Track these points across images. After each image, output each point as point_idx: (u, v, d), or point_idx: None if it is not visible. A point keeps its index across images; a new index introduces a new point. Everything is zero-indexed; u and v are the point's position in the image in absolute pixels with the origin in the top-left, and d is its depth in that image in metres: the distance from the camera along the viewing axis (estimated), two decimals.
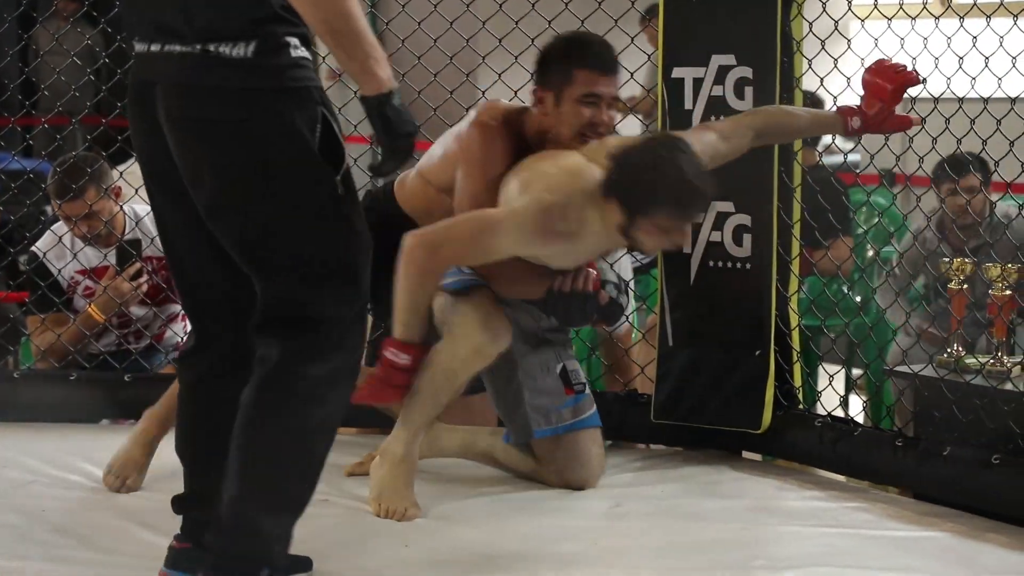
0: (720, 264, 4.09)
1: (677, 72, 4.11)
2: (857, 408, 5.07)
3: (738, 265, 4.07)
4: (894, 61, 3.63)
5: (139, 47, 2.81)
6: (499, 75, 4.37)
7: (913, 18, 4.01)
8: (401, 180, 3.85)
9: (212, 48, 2.69)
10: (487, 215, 3.49)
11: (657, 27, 4.21)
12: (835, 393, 4.35)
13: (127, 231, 4.70)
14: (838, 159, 5.80)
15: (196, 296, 2.94)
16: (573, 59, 3.63)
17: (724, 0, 4.05)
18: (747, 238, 4.05)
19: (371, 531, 3.49)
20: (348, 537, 3.44)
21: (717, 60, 4.04)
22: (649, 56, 4.49)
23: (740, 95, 4.05)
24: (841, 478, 4.07)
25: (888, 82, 3.61)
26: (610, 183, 3.39)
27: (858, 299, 5.23)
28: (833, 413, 4.17)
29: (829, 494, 3.86)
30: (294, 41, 2.72)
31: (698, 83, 4.07)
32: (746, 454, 4.21)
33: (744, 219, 4.05)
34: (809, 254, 4.38)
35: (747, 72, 4.04)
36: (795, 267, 4.14)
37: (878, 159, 4.21)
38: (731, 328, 4.09)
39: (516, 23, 4.27)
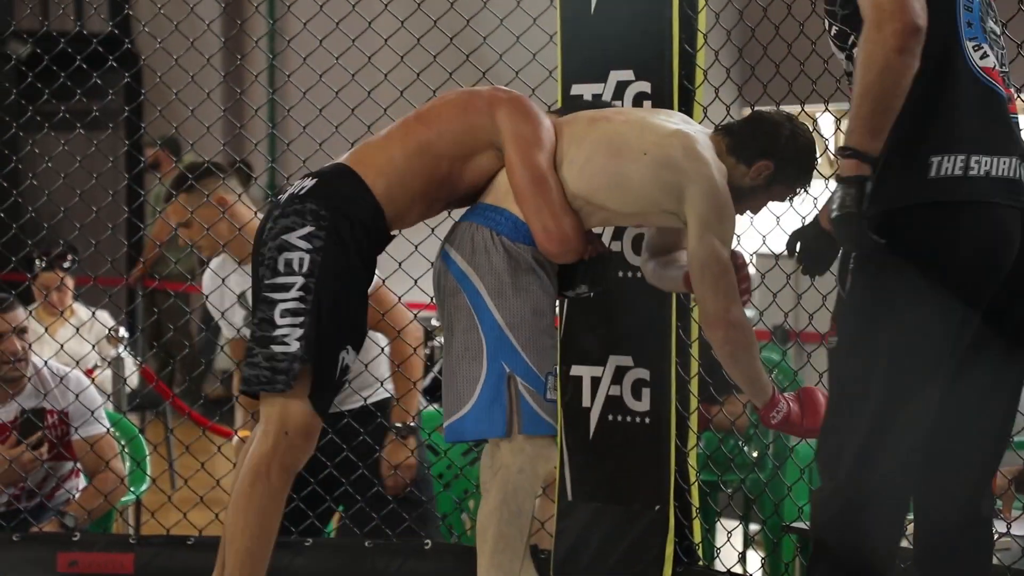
0: (619, 418, 4.08)
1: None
2: (756, 564, 5.06)
3: (637, 419, 4.07)
4: None
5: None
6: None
7: None
8: (360, 160, 3.54)
9: None
10: (717, 231, 3.45)
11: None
12: (733, 549, 4.35)
13: (36, 384, 4.53)
14: None
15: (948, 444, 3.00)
16: None
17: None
18: (646, 392, 4.05)
19: None
20: None
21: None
22: None
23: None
24: None
25: None
26: (770, 147, 3.51)
27: (754, 454, 5.26)
28: (732, 569, 4.16)
29: None
30: None
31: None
32: None
33: (643, 373, 4.06)
34: (705, 409, 4.40)
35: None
36: (693, 422, 4.16)
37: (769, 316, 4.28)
38: (631, 483, 4.08)
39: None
